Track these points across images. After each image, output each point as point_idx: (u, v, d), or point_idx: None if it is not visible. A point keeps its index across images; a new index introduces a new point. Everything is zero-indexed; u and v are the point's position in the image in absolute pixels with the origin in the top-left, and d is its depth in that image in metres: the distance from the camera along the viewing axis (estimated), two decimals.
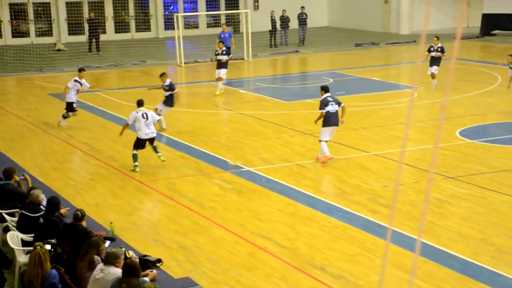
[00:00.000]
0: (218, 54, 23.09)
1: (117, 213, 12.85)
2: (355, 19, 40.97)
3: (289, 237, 11.52)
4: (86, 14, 37.33)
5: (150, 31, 39.90)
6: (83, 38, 36.28)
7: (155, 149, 15.32)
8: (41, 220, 10.41)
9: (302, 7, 36.34)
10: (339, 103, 15.32)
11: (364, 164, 15.25)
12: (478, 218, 11.97)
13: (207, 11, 40.48)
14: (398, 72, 27.89)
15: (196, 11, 40.53)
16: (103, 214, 12.70)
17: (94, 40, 33.67)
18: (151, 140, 15.25)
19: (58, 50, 34.05)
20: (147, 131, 15.07)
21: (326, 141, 15.20)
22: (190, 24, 40.82)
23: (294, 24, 36.04)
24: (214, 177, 14.76)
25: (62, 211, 11.21)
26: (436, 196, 12.92)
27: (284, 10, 35.87)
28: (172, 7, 40.63)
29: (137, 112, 15.06)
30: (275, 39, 35.25)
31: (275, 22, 35.30)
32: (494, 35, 35.72)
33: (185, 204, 13.20)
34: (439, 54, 22.59)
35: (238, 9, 39.89)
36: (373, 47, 34.11)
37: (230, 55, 23.71)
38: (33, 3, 37.32)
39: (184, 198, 13.57)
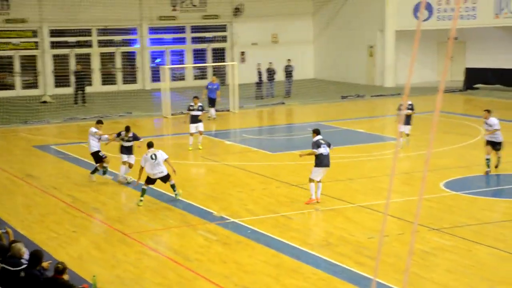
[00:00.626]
0: (194, 110, 22.62)
1: (100, 266, 12.70)
2: (340, 71, 41.46)
3: None
4: (72, 66, 37.58)
5: (136, 83, 40.16)
6: (70, 90, 36.38)
7: (172, 187, 16.62)
8: (22, 274, 10.25)
9: (289, 59, 36.77)
10: (329, 145, 16.23)
11: (349, 216, 15.23)
12: (463, 270, 11.93)
13: (194, 63, 40.88)
14: (383, 124, 28.12)
15: (183, 63, 40.92)
16: (86, 267, 12.54)
17: (80, 92, 33.82)
18: (163, 179, 16.51)
19: (44, 102, 34.08)
20: (155, 171, 16.39)
21: (316, 182, 15.93)
22: (177, 76, 41.16)
23: (280, 76, 36.41)
24: (199, 229, 14.67)
25: (44, 264, 11.04)
26: (421, 248, 12.88)
27: (270, 63, 36.28)
28: (159, 59, 41.01)
29: (147, 154, 16.45)
30: (261, 91, 35.55)
31: (262, 74, 35.67)
32: (477, 88, 36.21)
33: (170, 256, 13.07)
34: (409, 112, 21.99)
35: (225, 62, 40.31)
36: (358, 99, 34.45)
37: (204, 111, 23.56)
38: (19, 55, 37.54)
39: (168, 250, 13.45)
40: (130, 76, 40.23)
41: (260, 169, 19.81)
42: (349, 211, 15.58)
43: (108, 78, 39.48)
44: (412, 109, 22.14)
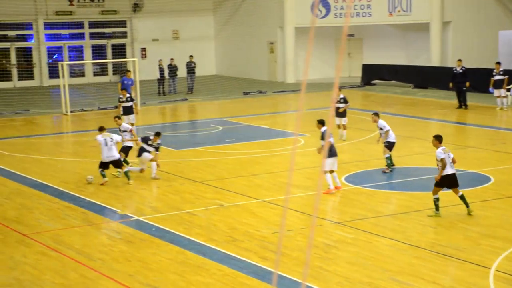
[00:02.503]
0: (123, 101, 23.18)
1: None
2: (242, 68, 41.73)
3: (179, 287, 11.36)
4: None
5: (33, 79, 38.92)
6: None
7: (125, 163, 17.78)
8: None
9: (191, 56, 36.68)
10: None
11: (254, 211, 15.36)
12: (364, 262, 12.28)
13: (93, 59, 40.04)
14: (285, 119, 28.52)
15: (82, 59, 39.99)
16: None
17: None
18: (114, 163, 17.22)
19: None
20: (108, 155, 17.07)
21: (330, 172, 16.05)
22: (76, 72, 40.19)
23: (182, 72, 36.25)
24: (103, 227, 14.41)
25: None
26: (324, 242, 13.17)
27: (172, 59, 36.06)
28: (56, 55, 39.91)
29: (102, 137, 17.12)
30: (163, 88, 35.31)
31: (163, 71, 35.42)
32: (374, 84, 37.36)
33: (72, 256, 12.77)
34: (342, 105, 22.28)
35: (125, 58, 39.71)
36: (260, 96, 34.78)
37: (135, 101, 24.17)
38: None
39: (70, 250, 13.13)
40: (26, 72, 38.97)
41: (164, 166, 19.64)
42: (254, 206, 15.72)
43: (2, 75, 38.08)
44: (345, 102, 22.41)
